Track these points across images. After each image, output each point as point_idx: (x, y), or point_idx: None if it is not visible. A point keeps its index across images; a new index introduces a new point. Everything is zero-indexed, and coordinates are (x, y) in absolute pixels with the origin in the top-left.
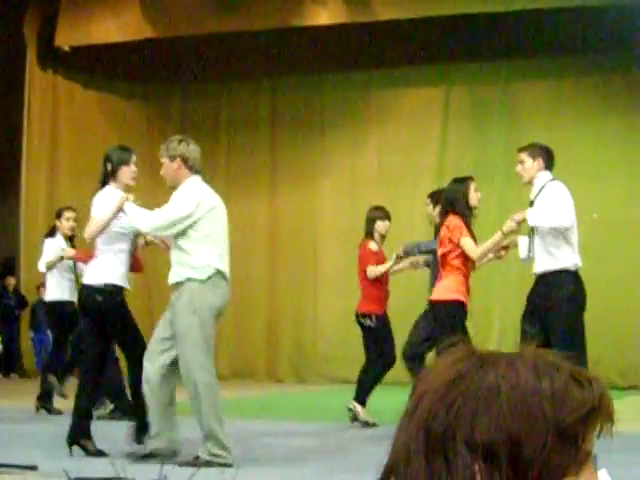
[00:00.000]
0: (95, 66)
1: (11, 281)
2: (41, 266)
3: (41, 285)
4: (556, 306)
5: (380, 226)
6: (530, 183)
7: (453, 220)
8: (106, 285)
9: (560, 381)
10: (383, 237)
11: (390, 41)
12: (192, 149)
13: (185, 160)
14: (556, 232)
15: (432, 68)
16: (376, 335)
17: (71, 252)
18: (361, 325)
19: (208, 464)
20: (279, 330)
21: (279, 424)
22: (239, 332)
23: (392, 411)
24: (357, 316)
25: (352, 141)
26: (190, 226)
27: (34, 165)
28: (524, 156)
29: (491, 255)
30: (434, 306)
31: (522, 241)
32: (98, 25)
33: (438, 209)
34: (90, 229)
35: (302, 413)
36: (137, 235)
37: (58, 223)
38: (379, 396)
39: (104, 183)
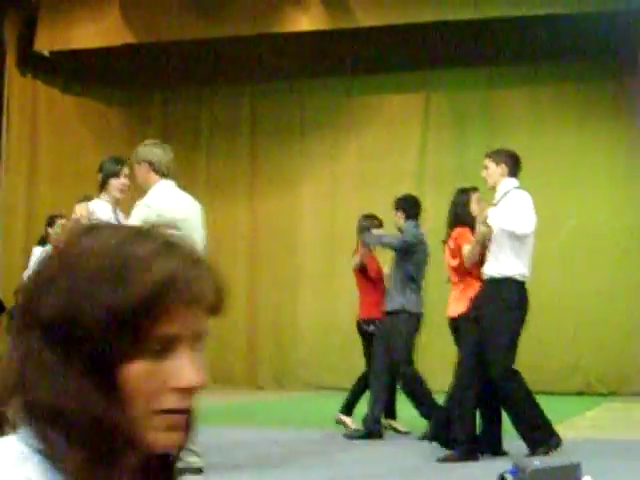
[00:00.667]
0: (75, 71)
1: None
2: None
3: (18, 291)
4: (493, 312)
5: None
6: (494, 189)
7: (459, 231)
8: None
9: (139, 254)
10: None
11: (370, 47)
12: (158, 152)
13: (151, 164)
14: (509, 237)
15: (412, 74)
16: (381, 339)
17: None
18: (363, 333)
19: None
20: (259, 336)
21: (259, 431)
22: (219, 338)
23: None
24: (359, 325)
25: (332, 147)
26: None
27: (13, 169)
28: (488, 161)
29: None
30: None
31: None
32: (78, 30)
33: (399, 214)
34: None
35: (283, 420)
36: None
37: (51, 231)
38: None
39: (86, 198)
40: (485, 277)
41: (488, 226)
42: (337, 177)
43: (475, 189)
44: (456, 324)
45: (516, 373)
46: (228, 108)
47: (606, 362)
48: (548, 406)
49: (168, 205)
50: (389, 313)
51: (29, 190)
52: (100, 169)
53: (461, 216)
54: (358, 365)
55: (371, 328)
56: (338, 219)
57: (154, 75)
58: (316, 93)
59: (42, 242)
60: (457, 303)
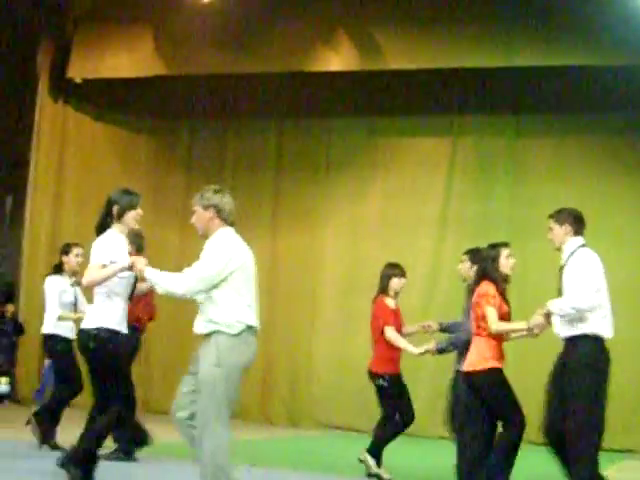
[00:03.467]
0: (105, 99)
1: (10, 308)
2: (50, 322)
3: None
4: (571, 372)
5: (396, 283)
6: (559, 249)
7: (484, 287)
8: (99, 330)
9: None
10: (397, 294)
11: (398, 89)
12: (227, 201)
13: (219, 211)
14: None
15: (440, 118)
16: (390, 394)
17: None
18: (374, 384)
19: None
20: (274, 372)
21: (272, 472)
22: None
23: (407, 466)
24: (369, 374)
25: (356, 187)
26: (223, 280)
27: (39, 194)
28: (551, 223)
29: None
30: (473, 378)
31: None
32: (111, 59)
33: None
34: (89, 278)
35: (295, 460)
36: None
37: (65, 259)
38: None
39: (105, 226)
40: (562, 338)
41: (548, 318)
42: (359, 218)
43: (506, 244)
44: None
45: None
46: (254, 143)
47: (624, 416)
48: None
49: (238, 249)
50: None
51: (54, 215)
52: (115, 202)
53: (488, 271)
54: (372, 406)
55: (380, 382)
56: (358, 260)
57: (183, 106)
58: (342, 132)
59: (57, 270)
60: (469, 356)
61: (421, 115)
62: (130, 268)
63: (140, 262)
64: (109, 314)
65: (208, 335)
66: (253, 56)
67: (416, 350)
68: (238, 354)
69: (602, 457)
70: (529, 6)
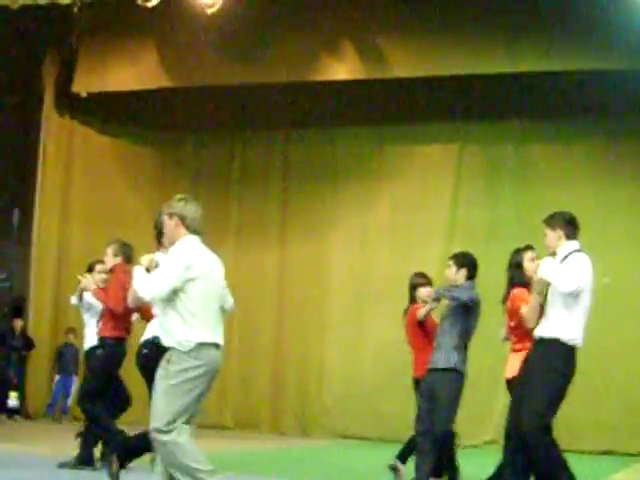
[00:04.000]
0: (111, 112)
1: (18, 323)
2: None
3: (70, 330)
4: (537, 372)
5: (422, 293)
6: (554, 254)
7: (516, 292)
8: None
9: None
10: (424, 303)
11: (404, 97)
12: (190, 209)
13: (182, 218)
14: (563, 298)
15: (446, 125)
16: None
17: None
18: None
19: None
20: (284, 382)
21: None
22: (244, 383)
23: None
24: (414, 382)
25: (363, 196)
26: (179, 290)
27: (47, 209)
28: (545, 228)
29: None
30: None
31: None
32: (115, 73)
33: (462, 272)
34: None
35: (307, 470)
36: None
37: (88, 277)
38: None
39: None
40: (535, 338)
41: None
42: (368, 226)
43: (529, 247)
44: (511, 385)
45: (548, 432)
46: (260, 153)
47: (635, 420)
48: (572, 465)
49: (198, 259)
50: (438, 370)
51: (61, 229)
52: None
53: (517, 277)
54: (383, 414)
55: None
56: (367, 269)
57: (188, 118)
58: (349, 141)
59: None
60: (513, 364)
61: (427, 123)
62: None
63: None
64: None
65: (167, 346)
66: (258, 67)
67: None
68: (187, 369)
69: (613, 461)
70: (533, 12)
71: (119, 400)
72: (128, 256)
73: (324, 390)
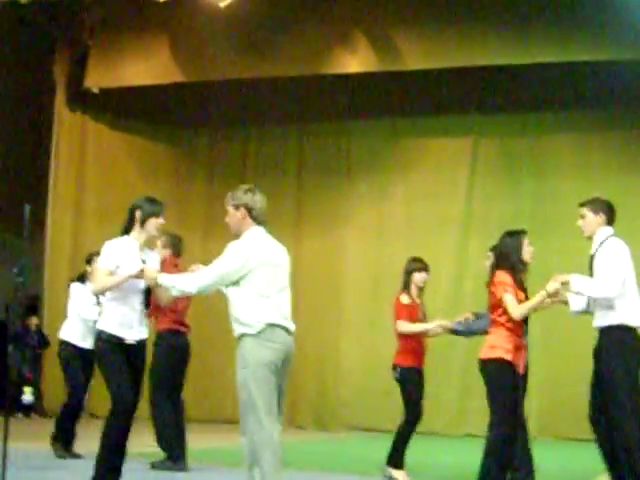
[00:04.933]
0: (124, 108)
1: (34, 321)
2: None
3: None
4: (603, 362)
5: (417, 278)
6: (590, 238)
7: (500, 276)
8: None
9: None
10: (421, 289)
11: (419, 90)
12: (258, 199)
13: (249, 210)
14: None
15: (461, 118)
16: (401, 389)
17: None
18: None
19: None
20: (301, 376)
21: (301, 475)
22: None
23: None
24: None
25: (378, 189)
26: (241, 278)
27: (60, 205)
28: (585, 211)
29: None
30: (481, 365)
31: (573, 296)
32: (128, 68)
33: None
34: (98, 286)
35: (325, 463)
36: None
37: (89, 269)
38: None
39: (128, 232)
40: (595, 327)
41: (557, 291)
42: (383, 219)
43: (524, 232)
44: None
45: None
46: (275, 147)
47: None
48: (585, 454)
49: (261, 248)
50: None
51: (75, 226)
52: (137, 207)
53: (504, 260)
54: (401, 407)
55: (394, 374)
56: (383, 261)
57: (202, 113)
58: (363, 134)
59: (81, 279)
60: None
61: (442, 115)
62: (139, 276)
63: (150, 271)
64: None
65: (238, 338)
66: (271, 60)
67: (428, 325)
68: (260, 352)
69: None
70: (547, 2)
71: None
72: (178, 249)
73: (341, 383)
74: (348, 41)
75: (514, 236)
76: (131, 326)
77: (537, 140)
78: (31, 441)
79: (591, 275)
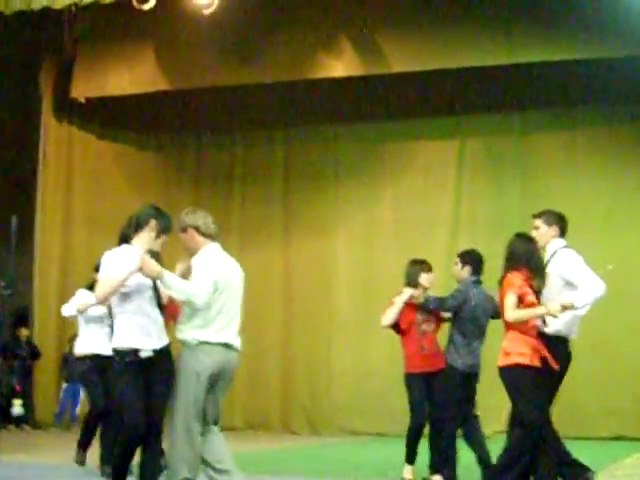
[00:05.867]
0: (110, 117)
1: (24, 332)
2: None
3: (75, 337)
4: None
5: (424, 279)
6: (543, 248)
7: (510, 277)
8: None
9: None
10: (425, 290)
11: (404, 93)
12: (200, 216)
13: (196, 228)
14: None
15: (446, 120)
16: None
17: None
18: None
19: None
20: (293, 381)
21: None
22: (253, 383)
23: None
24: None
25: (366, 192)
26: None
27: (48, 216)
28: (539, 222)
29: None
30: (500, 373)
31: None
32: (113, 77)
33: (467, 269)
34: (99, 292)
35: (319, 468)
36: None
37: (96, 276)
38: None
39: (126, 240)
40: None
41: (563, 310)
42: (372, 223)
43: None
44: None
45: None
46: (261, 153)
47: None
48: (582, 452)
49: (222, 268)
50: None
51: (64, 236)
52: (153, 217)
53: (525, 261)
54: (393, 410)
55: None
56: (373, 265)
57: (188, 121)
58: (350, 138)
59: (90, 288)
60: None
61: (427, 117)
62: (139, 270)
63: (150, 262)
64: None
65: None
66: (256, 66)
67: (400, 298)
68: (195, 363)
69: (623, 446)
70: (530, 2)
71: None
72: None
73: (334, 388)
74: (333, 45)
75: (525, 239)
76: (149, 334)
77: (523, 139)
78: (23, 452)
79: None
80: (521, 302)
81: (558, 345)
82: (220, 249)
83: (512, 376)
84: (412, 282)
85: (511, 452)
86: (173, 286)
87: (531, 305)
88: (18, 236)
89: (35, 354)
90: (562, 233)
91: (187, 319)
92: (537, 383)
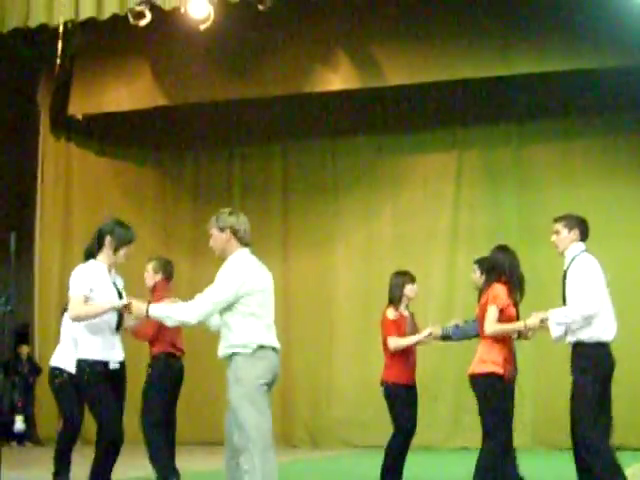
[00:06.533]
0: (108, 133)
1: (24, 349)
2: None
3: None
4: (575, 377)
5: (409, 290)
6: (562, 254)
7: (496, 288)
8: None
9: None
10: (410, 300)
11: (401, 106)
12: (242, 221)
13: (235, 232)
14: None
15: (443, 132)
16: (389, 405)
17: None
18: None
19: None
20: (294, 395)
21: None
22: None
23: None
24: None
25: (365, 205)
26: (235, 302)
27: (48, 233)
28: (559, 227)
29: (514, 336)
30: (471, 380)
31: (553, 324)
32: (111, 93)
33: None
34: (73, 313)
35: None
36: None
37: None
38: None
39: (92, 255)
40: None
41: (542, 323)
42: (371, 236)
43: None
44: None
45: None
46: (259, 168)
47: None
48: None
49: (253, 271)
50: None
51: (63, 253)
52: (108, 233)
53: (505, 273)
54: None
55: (381, 390)
56: (373, 278)
57: (186, 136)
58: (348, 152)
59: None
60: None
61: (425, 130)
62: (123, 311)
63: (137, 307)
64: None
65: (227, 357)
66: (253, 81)
67: (419, 336)
68: (253, 369)
69: (623, 456)
70: (525, 15)
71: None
72: (169, 273)
73: (334, 401)
74: (329, 59)
75: (508, 251)
76: (113, 346)
77: (520, 150)
78: (25, 469)
79: (564, 290)
80: (502, 314)
81: (599, 349)
82: (251, 255)
83: (485, 384)
84: (396, 294)
85: (482, 470)
86: (163, 316)
87: (511, 318)
88: (17, 253)
89: (36, 370)
90: (583, 237)
91: (228, 330)
92: (505, 395)
